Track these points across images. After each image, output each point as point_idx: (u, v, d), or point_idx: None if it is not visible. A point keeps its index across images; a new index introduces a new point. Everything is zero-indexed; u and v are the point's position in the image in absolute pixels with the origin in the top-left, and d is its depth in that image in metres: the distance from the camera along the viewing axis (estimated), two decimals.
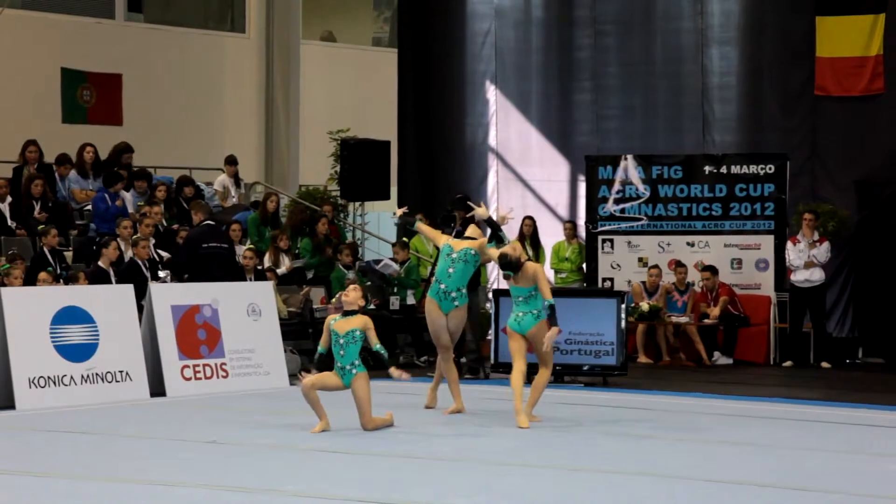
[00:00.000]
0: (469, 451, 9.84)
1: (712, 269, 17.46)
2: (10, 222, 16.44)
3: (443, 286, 11.79)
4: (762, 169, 18.06)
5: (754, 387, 14.60)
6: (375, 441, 10.27)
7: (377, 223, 22.01)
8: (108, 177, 17.39)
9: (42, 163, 17.62)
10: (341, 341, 10.75)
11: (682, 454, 9.88)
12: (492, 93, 21.01)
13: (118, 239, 15.20)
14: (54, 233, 15.14)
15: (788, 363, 17.03)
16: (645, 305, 17.17)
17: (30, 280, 14.03)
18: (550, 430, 11.04)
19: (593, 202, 18.62)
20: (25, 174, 17.19)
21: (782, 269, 17.56)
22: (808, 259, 16.93)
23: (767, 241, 17.90)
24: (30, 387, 12.12)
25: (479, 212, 11.95)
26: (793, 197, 18.06)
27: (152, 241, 15.50)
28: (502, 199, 20.72)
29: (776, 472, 9.11)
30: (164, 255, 15.59)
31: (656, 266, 17.70)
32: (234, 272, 15.31)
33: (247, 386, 13.54)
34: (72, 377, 12.41)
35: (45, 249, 15.07)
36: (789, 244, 17.19)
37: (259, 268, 16.23)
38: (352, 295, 10.86)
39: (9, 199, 16.63)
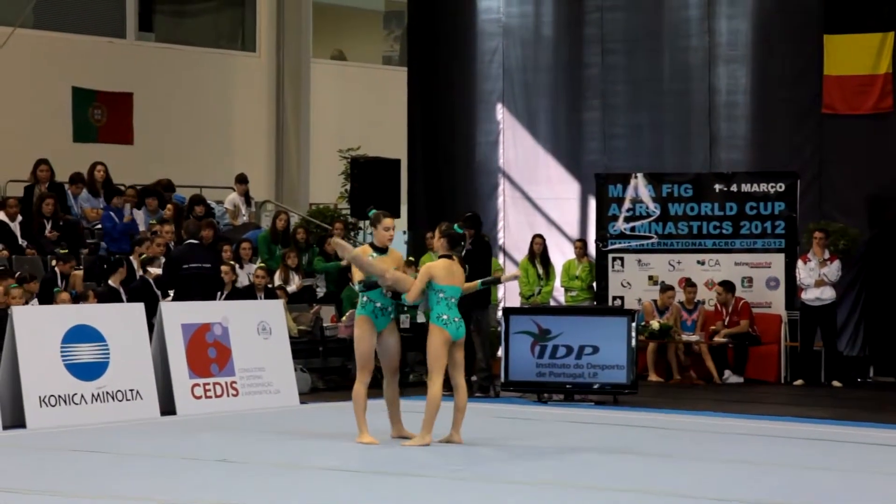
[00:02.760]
0: (482, 471, 9.82)
1: (727, 285, 17.43)
2: (20, 241, 16.48)
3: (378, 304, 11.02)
4: (772, 187, 18.06)
5: (765, 405, 14.58)
6: (387, 460, 10.25)
7: None
8: (108, 193, 17.50)
9: (53, 182, 17.68)
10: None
11: (692, 473, 9.86)
12: (500, 111, 21.04)
13: (131, 257, 15.26)
14: (72, 263, 15.25)
15: (799, 382, 17.00)
16: (655, 324, 17.16)
17: (41, 300, 14.08)
18: (560, 449, 11.01)
19: (603, 220, 18.62)
20: (37, 193, 17.26)
21: (793, 288, 17.54)
22: (818, 278, 16.91)
23: (778, 260, 17.88)
24: (40, 405, 12.12)
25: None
26: (800, 215, 18.05)
27: (162, 259, 15.53)
28: (510, 218, 20.73)
29: (786, 491, 9.08)
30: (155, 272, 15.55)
31: (671, 287, 17.65)
32: (214, 291, 15.26)
33: (257, 404, 13.53)
34: (82, 396, 12.41)
35: (58, 271, 15.11)
36: (800, 263, 17.17)
37: (269, 286, 16.24)
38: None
39: (20, 217, 16.68)
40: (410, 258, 18.51)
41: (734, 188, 18.18)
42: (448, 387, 10.98)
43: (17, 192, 18.08)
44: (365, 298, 10.87)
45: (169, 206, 17.83)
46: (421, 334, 16.79)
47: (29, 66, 21.40)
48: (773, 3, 19.41)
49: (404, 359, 16.80)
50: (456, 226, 11.03)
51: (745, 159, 19.39)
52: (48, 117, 21.37)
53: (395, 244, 11.27)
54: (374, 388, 11.17)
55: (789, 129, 19.03)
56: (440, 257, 10.91)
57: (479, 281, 11.49)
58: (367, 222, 20.28)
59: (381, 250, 10.94)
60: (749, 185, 18.17)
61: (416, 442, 10.77)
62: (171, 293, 14.93)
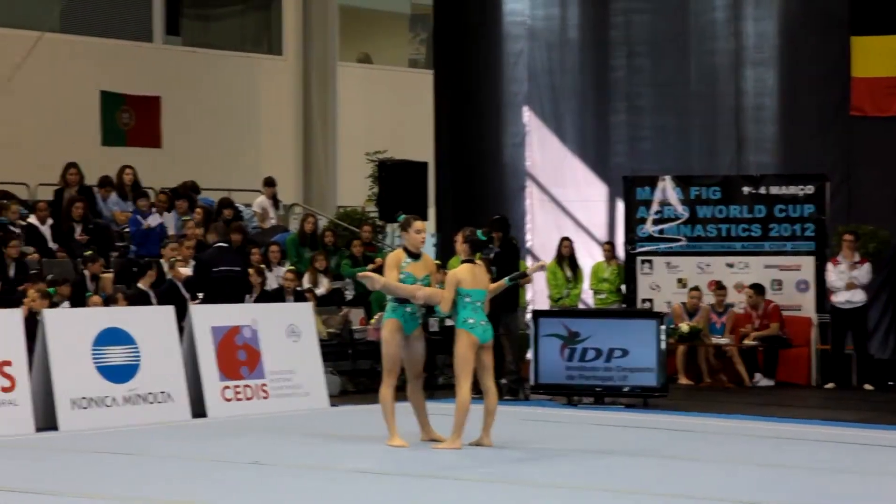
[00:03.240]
0: (511, 474, 9.82)
1: (757, 288, 17.37)
2: (51, 244, 16.55)
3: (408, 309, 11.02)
4: (801, 189, 18.00)
5: (795, 409, 14.50)
6: (417, 462, 10.25)
7: None
8: (137, 196, 17.57)
9: (82, 185, 17.76)
10: (418, 283, 10.76)
11: (721, 476, 9.82)
12: (526, 114, 21.03)
13: (161, 260, 15.33)
14: (101, 263, 15.31)
15: (830, 385, 16.92)
16: (685, 326, 17.11)
17: (72, 302, 14.15)
18: (590, 452, 11.00)
19: (632, 223, 18.58)
20: (66, 197, 17.33)
21: (823, 291, 17.46)
22: (848, 280, 16.84)
23: (808, 263, 17.81)
24: (72, 408, 12.17)
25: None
26: (829, 217, 17.97)
27: (192, 262, 15.57)
28: (537, 221, 20.72)
29: (816, 494, 9.05)
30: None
31: (696, 288, 17.62)
32: (243, 294, 15.32)
33: (287, 407, 13.55)
34: (113, 398, 12.45)
35: (87, 274, 15.18)
36: (830, 265, 17.10)
37: (298, 289, 16.27)
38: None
39: (50, 221, 16.75)
40: (438, 261, 18.50)
41: (763, 190, 18.12)
42: (477, 390, 10.98)
43: (47, 196, 18.16)
44: (395, 303, 10.89)
45: (198, 209, 17.88)
46: (450, 337, 16.79)
47: (57, 71, 21.51)
48: (799, 4, 19.37)
49: (433, 362, 16.84)
50: (479, 232, 11.04)
51: (772, 162, 19.34)
52: (77, 121, 21.47)
53: (423, 247, 11.26)
54: (402, 392, 11.17)
55: (817, 131, 18.97)
56: (463, 262, 10.93)
57: (507, 278, 11.50)
58: (395, 225, 20.47)
59: (415, 255, 10.93)
60: (778, 187, 18.10)
61: (446, 445, 10.77)
62: (200, 296, 14.96)
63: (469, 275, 10.79)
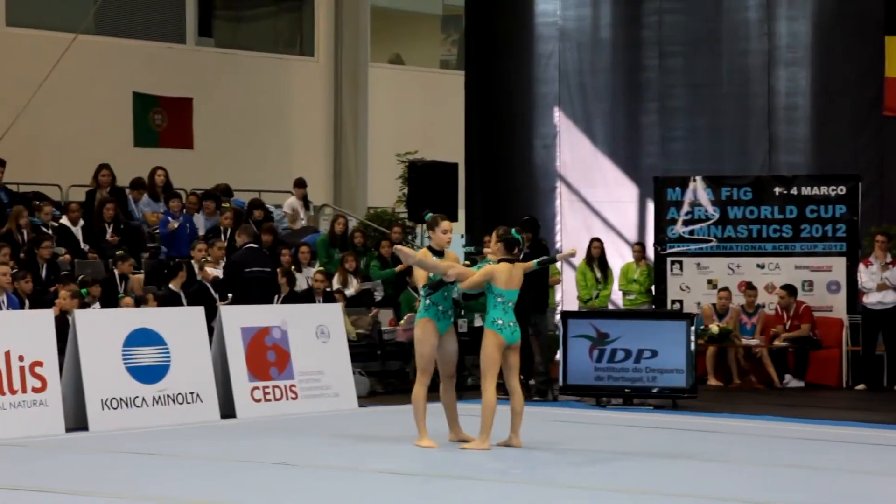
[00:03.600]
0: (540, 475, 9.81)
1: (789, 289, 17.30)
2: (82, 245, 16.65)
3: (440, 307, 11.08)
4: (833, 190, 17.91)
5: (826, 410, 14.44)
6: (446, 463, 10.26)
7: None
8: (167, 197, 17.64)
9: (114, 186, 17.85)
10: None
11: (750, 477, 9.79)
12: (557, 114, 21.01)
13: (192, 261, 15.39)
14: (130, 263, 15.40)
15: (861, 386, 16.84)
16: (715, 328, 17.06)
17: (103, 303, 14.22)
18: (619, 453, 10.98)
19: (662, 224, 18.54)
20: (98, 198, 17.42)
21: (854, 292, 17.38)
22: (880, 281, 16.75)
23: (839, 263, 17.72)
24: (102, 408, 12.23)
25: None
26: (861, 218, 17.87)
27: (222, 263, 15.63)
28: (566, 221, 20.69)
29: (844, 495, 9.01)
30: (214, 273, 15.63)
31: (726, 289, 17.57)
32: (272, 294, 15.37)
33: (316, 407, 13.58)
34: (143, 399, 12.51)
35: (117, 274, 15.26)
36: (861, 266, 17.01)
37: (328, 290, 16.31)
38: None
39: (81, 222, 16.85)
40: (467, 262, 18.51)
41: (794, 191, 18.04)
42: (504, 390, 10.99)
43: (79, 197, 18.27)
44: (428, 301, 10.90)
45: (227, 211, 17.93)
46: (478, 338, 16.82)
47: (90, 72, 21.62)
48: (833, 4, 19.27)
49: (462, 362, 16.85)
50: (513, 230, 11.04)
51: (804, 162, 19.25)
52: (109, 122, 21.58)
53: (453, 248, 11.30)
54: (432, 392, 11.18)
55: (850, 131, 18.87)
56: (500, 261, 10.92)
57: (535, 261, 11.54)
58: (425, 226, 20.48)
59: (439, 253, 10.97)
60: (809, 188, 18.02)
61: (474, 446, 10.78)
62: (230, 296, 15.02)
63: (505, 274, 10.80)
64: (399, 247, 11.47)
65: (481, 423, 10.74)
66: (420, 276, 11.02)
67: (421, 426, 10.96)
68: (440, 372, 11.07)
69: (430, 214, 11.21)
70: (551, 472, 10.01)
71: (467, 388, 15.36)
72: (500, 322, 10.72)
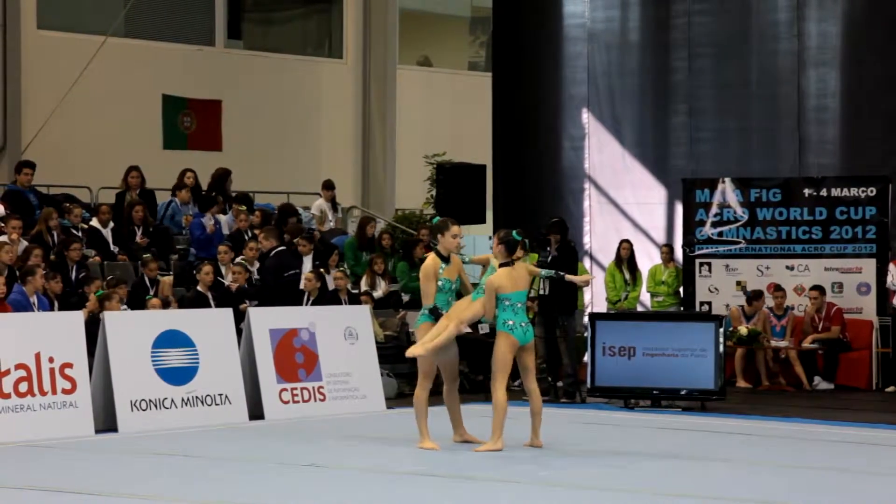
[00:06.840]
0: (559, 476, 9.81)
1: (821, 290, 17.24)
2: (112, 247, 16.73)
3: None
4: (863, 192, 17.82)
5: (855, 412, 14.39)
6: (474, 464, 10.26)
7: (472, 247, 22.06)
8: (203, 202, 17.66)
9: (144, 188, 17.92)
10: (453, 287, 10.86)
11: (779, 480, 9.76)
12: (585, 116, 20.98)
13: (218, 263, 15.41)
14: (157, 264, 15.45)
15: (891, 388, 16.75)
16: (743, 329, 17.01)
17: (131, 305, 14.28)
18: (646, 455, 10.96)
19: (690, 225, 18.49)
20: (127, 199, 17.50)
21: (884, 293, 17.30)
22: None
23: (869, 265, 17.64)
24: (132, 410, 12.29)
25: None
26: (892, 219, 17.78)
27: (257, 264, 15.68)
28: (595, 223, 20.65)
29: (875, 499, 8.97)
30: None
31: (761, 295, 17.39)
32: (300, 297, 15.44)
33: (344, 409, 13.61)
34: (172, 400, 12.56)
35: (146, 276, 15.33)
36: (891, 267, 16.92)
37: (355, 291, 16.32)
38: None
39: (111, 224, 16.93)
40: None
41: (824, 193, 17.96)
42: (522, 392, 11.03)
43: (109, 199, 18.36)
44: (427, 307, 10.95)
45: (257, 212, 17.97)
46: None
47: (120, 74, 21.73)
48: (863, 5, 19.17)
49: (483, 364, 16.84)
50: (514, 232, 11.04)
51: (834, 164, 19.14)
52: (139, 124, 21.69)
53: (481, 250, 11.31)
54: (437, 395, 11.21)
55: (880, 133, 18.77)
56: (500, 265, 10.93)
57: (544, 271, 11.63)
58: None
59: (445, 259, 10.94)
60: (839, 189, 17.94)
61: (487, 447, 10.80)
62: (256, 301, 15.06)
63: (507, 280, 10.82)
64: (411, 351, 11.20)
65: (493, 424, 10.78)
66: (428, 293, 10.93)
67: (423, 428, 11.02)
68: (443, 375, 11.14)
69: (439, 218, 11.21)
70: (578, 473, 9.99)
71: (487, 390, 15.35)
72: (511, 323, 10.76)
